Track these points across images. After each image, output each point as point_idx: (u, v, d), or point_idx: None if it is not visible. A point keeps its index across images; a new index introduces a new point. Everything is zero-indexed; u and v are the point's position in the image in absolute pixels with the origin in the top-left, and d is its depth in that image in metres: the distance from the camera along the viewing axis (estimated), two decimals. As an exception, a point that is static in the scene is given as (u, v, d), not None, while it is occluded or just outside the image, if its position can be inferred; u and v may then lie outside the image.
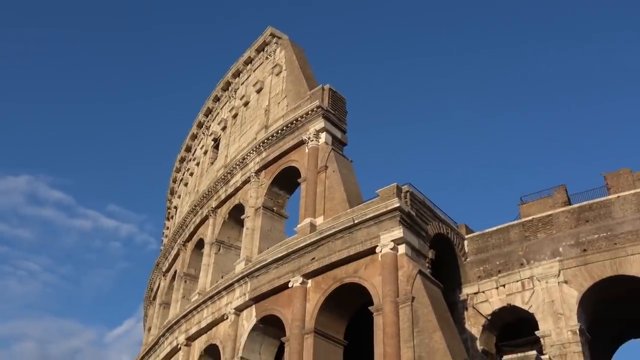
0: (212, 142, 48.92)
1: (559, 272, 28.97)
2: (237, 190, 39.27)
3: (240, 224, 38.07)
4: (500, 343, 31.04)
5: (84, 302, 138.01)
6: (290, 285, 29.45)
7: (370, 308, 25.76)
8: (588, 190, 32.27)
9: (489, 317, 30.51)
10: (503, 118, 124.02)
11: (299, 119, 35.28)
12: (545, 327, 28.23)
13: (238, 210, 38.74)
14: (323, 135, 34.00)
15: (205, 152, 49.73)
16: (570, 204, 32.29)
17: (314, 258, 28.94)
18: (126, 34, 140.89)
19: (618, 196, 29.25)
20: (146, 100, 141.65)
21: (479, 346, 30.11)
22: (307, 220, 30.95)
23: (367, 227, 27.22)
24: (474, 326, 30.60)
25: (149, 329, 49.59)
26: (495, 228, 32.35)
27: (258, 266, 31.65)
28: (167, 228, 58.60)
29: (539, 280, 29.38)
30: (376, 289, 25.84)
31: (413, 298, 24.44)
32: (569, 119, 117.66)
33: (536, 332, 28.41)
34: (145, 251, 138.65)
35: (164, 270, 49.18)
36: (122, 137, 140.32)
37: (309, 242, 29.29)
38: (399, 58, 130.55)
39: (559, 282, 28.76)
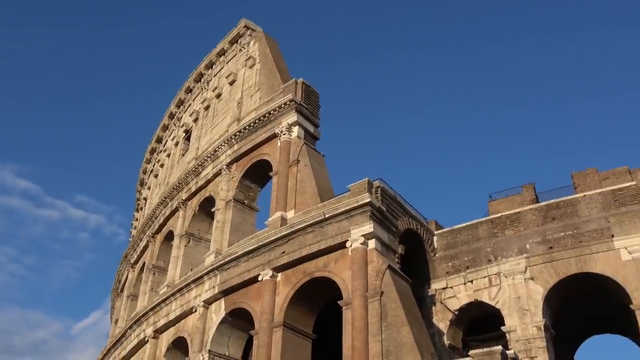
0: (184, 134, 48.53)
1: (526, 268, 29.43)
2: (208, 182, 39.03)
3: (211, 216, 37.88)
4: (467, 338, 31.45)
5: (50, 293, 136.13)
6: (260, 278, 29.41)
7: (339, 302, 25.87)
8: (556, 188, 32.84)
9: (456, 313, 30.88)
10: (475, 115, 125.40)
11: (272, 112, 35.18)
12: (511, 322, 28.67)
13: (208, 202, 38.52)
14: (295, 129, 33.97)
15: (176, 144, 49.30)
16: (538, 202, 32.81)
17: (284, 252, 28.93)
18: (100, 23, 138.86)
19: (584, 195, 29.81)
20: (117, 90, 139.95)
21: (446, 341, 30.48)
22: (278, 213, 30.93)
23: (337, 221, 27.31)
24: (442, 321, 30.94)
25: (116, 321, 49.10)
26: (464, 225, 32.74)
27: (228, 259, 31.54)
28: (136, 219, 57.99)
29: (505, 277, 29.82)
30: (346, 284, 25.96)
31: (382, 293, 24.62)
32: (541, 118, 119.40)
33: (502, 328, 28.85)
34: (113, 243, 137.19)
35: (132, 262, 48.69)
36: (92, 126, 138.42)
37: (279, 235, 29.27)
38: (372, 53, 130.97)
39: (525, 279, 29.22)
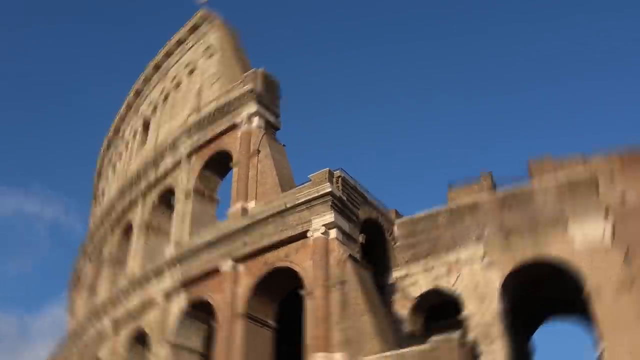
0: (142, 124, 47.77)
1: (484, 255, 29.98)
2: (167, 173, 38.57)
3: (171, 208, 37.47)
4: (428, 324, 31.90)
5: (4, 286, 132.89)
6: (220, 269, 29.30)
7: (301, 292, 26.00)
8: (513, 176, 33.40)
9: (416, 300, 31.31)
10: (435, 104, 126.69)
11: (232, 102, 34.92)
12: (470, 308, 29.22)
13: (168, 194, 38.10)
14: (256, 119, 33.78)
15: (135, 134, 48.53)
16: (495, 190, 33.37)
17: (245, 242, 28.87)
18: (59, 8, 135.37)
19: (539, 183, 30.45)
20: (74, 79, 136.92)
21: (407, 328, 30.88)
22: (239, 204, 30.80)
23: (298, 211, 27.37)
24: (403, 308, 31.33)
25: (74, 315, 48.31)
26: (423, 213, 33.15)
27: (188, 251, 31.31)
28: (94, 211, 56.98)
29: (464, 264, 30.34)
30: (307, 273, 26.09)
31: (343, 282, 24.82)
32: (500, 106, 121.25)
33: (461, 314, 29.38)
34: (71, 234, 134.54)
35: (90, 255, 47.91)
36: (48, 117, 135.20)
37: (240, 226, 29.19)
38: (333, 45, 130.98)
39: (483, 266, 29.78)
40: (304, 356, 24.42)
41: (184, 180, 36.24)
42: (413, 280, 31.64)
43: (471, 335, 27.30)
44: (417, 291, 31.36)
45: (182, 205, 35.36)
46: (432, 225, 32.49)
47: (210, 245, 30.31)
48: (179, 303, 31.42)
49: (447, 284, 30.58)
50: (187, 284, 31.18)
